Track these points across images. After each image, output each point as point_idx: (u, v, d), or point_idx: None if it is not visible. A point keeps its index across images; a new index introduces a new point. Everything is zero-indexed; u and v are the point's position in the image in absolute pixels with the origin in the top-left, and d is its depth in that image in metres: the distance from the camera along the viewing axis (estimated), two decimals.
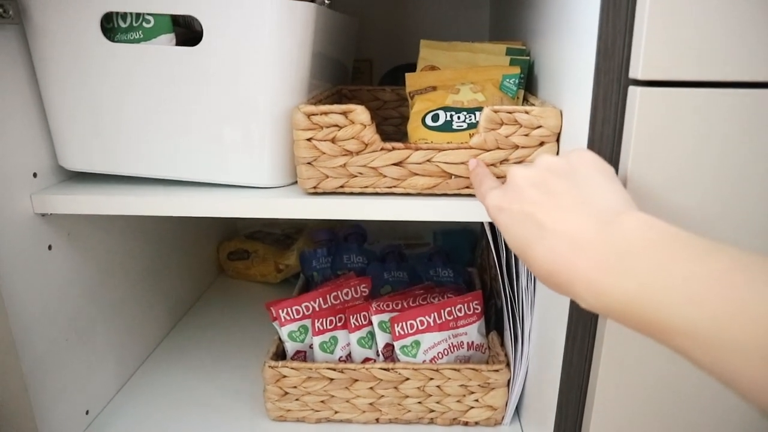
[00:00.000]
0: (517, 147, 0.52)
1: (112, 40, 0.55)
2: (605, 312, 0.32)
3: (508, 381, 0.67)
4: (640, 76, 0.40)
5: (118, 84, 0.56)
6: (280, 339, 0.71)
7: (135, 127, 0.57)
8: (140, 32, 0.55)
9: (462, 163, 0.53)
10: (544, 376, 0.58)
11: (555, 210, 0.37)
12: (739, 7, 0.38)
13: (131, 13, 0.55)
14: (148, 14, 0.54)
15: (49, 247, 0.62)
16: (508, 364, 0.68)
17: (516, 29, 0.76)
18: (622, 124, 0.43)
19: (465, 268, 0.89)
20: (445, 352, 0.69)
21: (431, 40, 0.68)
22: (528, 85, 0.64)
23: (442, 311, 0.69)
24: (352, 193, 0.56)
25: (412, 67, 1.01)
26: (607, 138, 0.43)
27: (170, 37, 0.55)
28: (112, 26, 0.55)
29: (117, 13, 0.55)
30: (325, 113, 0.52)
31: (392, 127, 0.76)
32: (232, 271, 1.07)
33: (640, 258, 0.31)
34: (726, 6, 0.38)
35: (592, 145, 0.44)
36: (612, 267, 0.31)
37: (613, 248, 0.32)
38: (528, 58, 0.63)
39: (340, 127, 0.53)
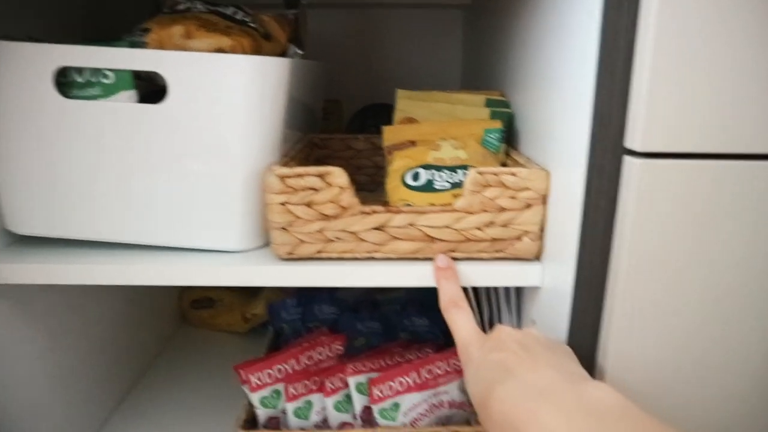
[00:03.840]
0: (503, 210, 0.50)
1: (68, 97, 0.51)
2: None
3: None
4: (638, 148, 0.38)
5: (74, 143, 0.52)
6: (250, 403, 0.67)
7: (92, 189, 0.53)
8: (99, 88, 0.51)
9: (446, 226, 0.50)
10: None
11: (528, 362, 0.38)
12: (744, 73, 0.37)
13: (88, 69, 0.51)
14: (107, 70, 0.50)
15: None
16: None
17: (492, 77, 0.75)
18: (616, 194, 0.41)
19: (440, 314, 0.87)
20: (426, 413, 0.65)
21: (403, 84, 0.66)
22: (508, 138, 0.62)
23: (421, 370, 0.66)
24: (329, 259, 0.52)
25: (382, 108, 0.99)
26: (602, 210, 0.42)
27: (131, 93, 0.51)
28: (67, 81, 0.51)
29: (73, 67, 0.51)
30: (300, 176, 0.49)
31: (366, 177, 0.73)
32: (196, 320, 1.01)
33: (610, 426, 0.31)
34: (729, 72, 0.37)
35: (586, 216, 0.42)
36: (579, 426, 0.31)
37: (581, 407, 0.33)
38: (509, 110, 0.61)
39: (317, 190, 0.49)
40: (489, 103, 0.62)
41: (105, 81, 0.51)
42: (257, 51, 0.54)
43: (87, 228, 0.54)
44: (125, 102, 0.51)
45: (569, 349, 0.43)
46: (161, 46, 0.52)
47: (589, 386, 0.35)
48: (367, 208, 0.50)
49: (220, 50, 0.52)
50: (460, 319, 0.47)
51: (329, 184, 0.49)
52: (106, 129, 0.51)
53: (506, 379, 0.37)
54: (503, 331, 0.43)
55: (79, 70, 0.51)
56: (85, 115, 0.51)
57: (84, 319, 0.72)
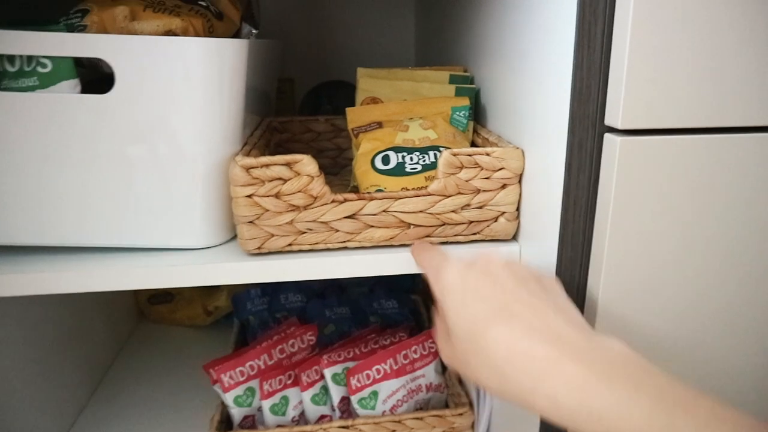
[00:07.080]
0: (478, 191, 0.49)
1: None
2: (578, 415, 0.30)
3: (473, 423, 0.64)
4: (619, 125, 0.37)
5: (11, 140, 0.47)
6: (223, 403, 0.64)
7: (35, 190, 0.48)
8: (35, 78, 0.46)
9: (421, 211, 0.49)
10: (515, 417, 0.55)
11: (533, 302, 0.36)
12: (725, 47, 0.36)
13: (21, 56, 0.46)
14: (44, 57, 0.46)
15: None
16: (470, 405, 0.65)
17: (452, 51, 0.73)
18: (598, 172, 0.40)
19: (408, 295, 0.86)
20: (405, 399, 0.64)
21: (355, 60, 0.64)
22: (473, 115, 0.60)
23: (397, 356, 0.64)
24: (301, 251, 0.50)
25: (337, 85, 0.96)
26: (582, 186, 0.41)
27: (73, 83, 0.46)
28: None
29: (2, 55, 0.46)
30: (267, 165, 0.46)
31: (328, 159, 0.70)
32: (155, 315, 0.97)
33: (645, 380, 0.30)
34: (709, 46, 0.36)
35: (567, 194, 0.41)
36: (601, 374, 0.30)
37: (602, 357, 0.31)
38: (474, 86, 0.60)
39: (285, 180, 0.47)
40: (453, 80, 0.61)
41: (42, 70, 0.46)
42: (210, 32, 0.51)
43: (34, 233, 0.49)
44: (67, 93, 0.46)
45: (559, 287, 0.40)
46: (104, 29, 0.48)
47: (602, 338, 0.33)
48: (339, 197, 0.48)
49: (170, 33, 0.48)
50: (431, 250, 0.46)
51: (298, 173, 0.47)
52: (48, 124, 0.46)
53: (509, 318, 0.34)
54: (494, 260, 0.39)
55: (11, 58, 0.46)
56: (20, 108, 0.46)
57: (30, 327, 0.67)
